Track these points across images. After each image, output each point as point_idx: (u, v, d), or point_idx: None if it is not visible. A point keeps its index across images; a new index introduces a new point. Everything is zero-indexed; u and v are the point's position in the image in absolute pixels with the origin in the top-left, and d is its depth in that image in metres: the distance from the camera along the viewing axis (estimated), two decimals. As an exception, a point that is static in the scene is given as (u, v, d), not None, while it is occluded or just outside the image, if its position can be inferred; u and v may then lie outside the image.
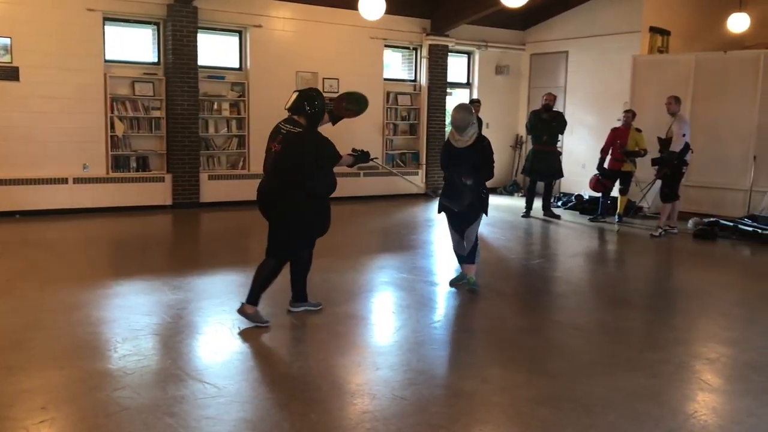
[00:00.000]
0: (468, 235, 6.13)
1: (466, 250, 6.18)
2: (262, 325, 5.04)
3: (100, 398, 3.77)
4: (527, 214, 10.94)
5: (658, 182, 9.69)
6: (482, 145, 6.01)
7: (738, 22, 11.53)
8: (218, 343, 4.77)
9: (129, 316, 5.24)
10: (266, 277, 5.15)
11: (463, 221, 6.13)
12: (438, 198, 6.44)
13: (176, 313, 5.40)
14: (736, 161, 10.67)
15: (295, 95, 5.19)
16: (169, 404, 3.70)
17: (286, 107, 5.18)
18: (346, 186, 12.34)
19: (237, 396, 3.84)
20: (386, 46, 13.01)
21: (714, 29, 12.60)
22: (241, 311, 5.09)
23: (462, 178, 5.98)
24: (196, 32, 10.77)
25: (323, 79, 12.17)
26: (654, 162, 9.59)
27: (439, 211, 6.36)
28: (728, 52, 11.23)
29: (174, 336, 4.89)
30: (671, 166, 9.28)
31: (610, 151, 10.48)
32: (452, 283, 6.46)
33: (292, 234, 5.16)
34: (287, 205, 5.11)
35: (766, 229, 9.25)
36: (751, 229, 9.33)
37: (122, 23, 10.63)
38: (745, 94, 10.59)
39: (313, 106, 5.15)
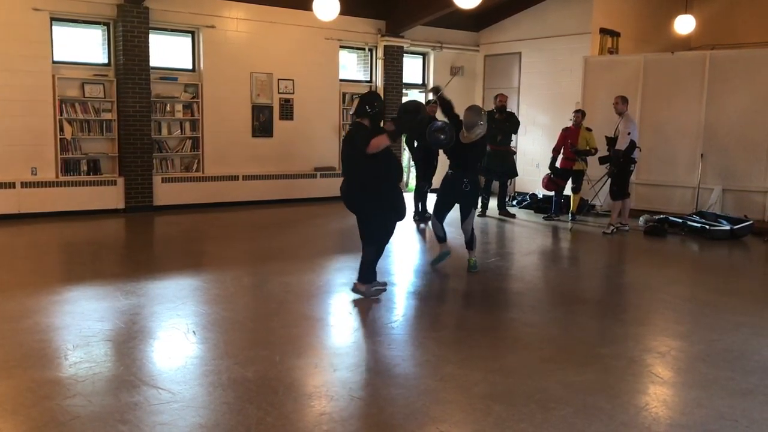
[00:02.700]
0: (465, 227, 7.16)
1: (465, 238, 7.23)
2: (381, 288, 6.02)
3: (49, 407, 3.68)
4: (483, 213, 11.05)
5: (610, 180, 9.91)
6: (484, 142, 7.15)
7: (684, 24, 11.84)
8: (173, 348, 4.70)
9: (80, 323, 5.12)
10: (372, 260, 5.95)
11: (462, 214, 7.13)
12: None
13: (129, 319, 5.30)
14: (684, 159, 10.95)
15: (357, 100, 5.83)
16: (122, 411, 3.64)
17: (351, 113, 5.85)
18: (302, 187, 12.41)
19: (192, 401, 3.79)
20: (342, 47, 13.00)
21: (662, 31, 12.92)
22: (355, 290, 5.94)
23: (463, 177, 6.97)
24: (148, 33, 10.59)
25: (278, 80, 12.10)
26: (601, 161, 9.79)
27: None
28: (675, 53, 11.53)
29: (127, 342, 4.79)
30: (617, 164, 9.49)
31: (561, 151, 10.67)
32: (432, 263, 7.29)
33: (375, 223, 5.84)
34: (364, 201, 5.75)
35: (713, 225, 9.51)
36: (699, 225, 9.58)
37: (70, 23, 10.39)
38: (692, 93, 10.88)
39: (373, 107, 5.68)
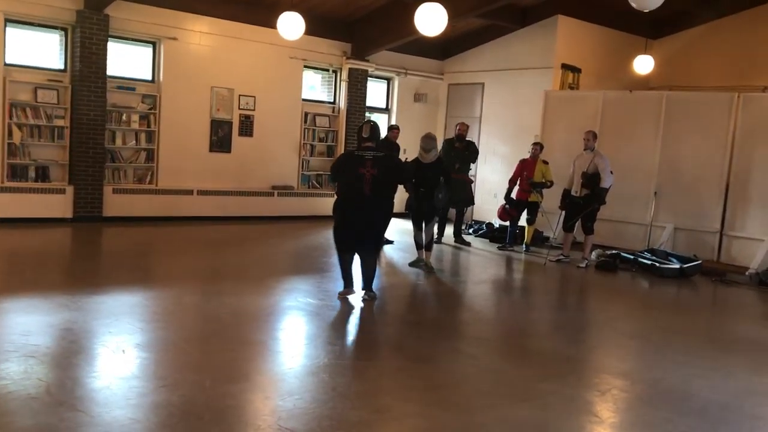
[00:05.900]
0: (427, 230, 8.66)
1: (425, 241, 8.68)
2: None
3: (-45, 427, 3.47)
4: (438, 240, 10.99)
5: (563, 214, 9.98)
6: (440, 162, 8.87)
7: (643, 64, 12.05)
8: (99, 367, 4.50)
9: (4, 337, 4.88)
10: (374, 267, 6.76)
11: (425, 220, 8.67)
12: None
13: (59, 334, 5.08)
14: (638, 196, 11.06)
15: (369, 126, 6.65)
16: (34, 434, 3.44)
17: (365, 136, 6.55)
18: (258, 205, 12.23)
19: (109, 425, 3.60)
20: (306, 66, 12.93)
21: (622, 69, 13.13)
22: (371, 299, 6.67)
23: (434, 191, 8.54)
24: (107, 41, 10.39)
25: (239, 96, 11.96)
26: (585, 200, 9.68)
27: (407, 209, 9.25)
28: (634, 92, 11.72)
29: (52, 359, 4.57)
30: (602, 200, 9.57)
31: (518, 182, 10.71)
32: (410, 264, 8.70)
33: (380, 232, 6.86)
34: (381, 212, 6.68)
35: (664, 263, 9.60)
36: (649, 262, 9.66)
37: (26, 26, 10.13)
38: (648, 132, 11.05)
39: (380, 133, 6.90)
